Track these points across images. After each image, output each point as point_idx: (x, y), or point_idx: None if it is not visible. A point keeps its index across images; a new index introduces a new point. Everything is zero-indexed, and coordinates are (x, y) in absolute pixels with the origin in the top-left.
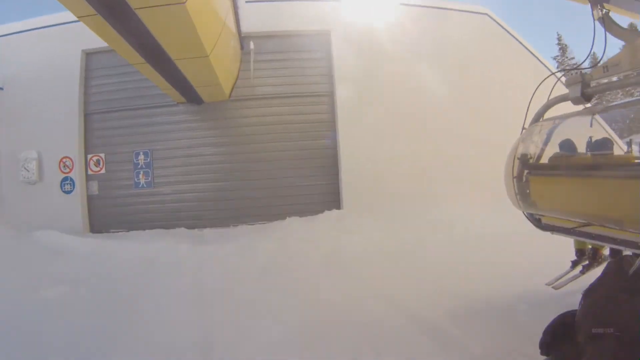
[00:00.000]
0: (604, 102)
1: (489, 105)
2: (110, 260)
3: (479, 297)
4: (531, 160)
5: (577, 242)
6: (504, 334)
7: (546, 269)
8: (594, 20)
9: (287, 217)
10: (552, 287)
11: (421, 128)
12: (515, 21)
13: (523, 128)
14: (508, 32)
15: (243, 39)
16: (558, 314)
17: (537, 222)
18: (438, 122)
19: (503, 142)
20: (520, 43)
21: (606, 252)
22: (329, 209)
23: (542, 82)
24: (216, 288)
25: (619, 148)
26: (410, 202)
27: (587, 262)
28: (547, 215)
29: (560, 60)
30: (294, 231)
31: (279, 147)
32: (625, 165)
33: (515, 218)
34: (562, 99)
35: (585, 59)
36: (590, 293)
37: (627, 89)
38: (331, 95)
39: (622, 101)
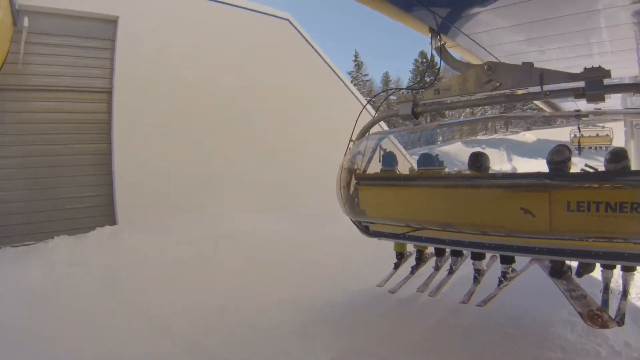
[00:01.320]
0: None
1: (282, 110)
2: None
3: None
4: (358, 172)
5: (397, 246)
6: None
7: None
8: (431, 49)
9: (55, 237)
10: (390, 292)
11: (208, 134)
12: (317, 31)
13: (350, 141)
14: (307, 40)
15: (17, 12)
16: None
17: (365, 230)
18: (229, 127)
19: (292, 148)
20: (318, 53)
21: (430, 251)
22: (102, 225)
23: (371, 99)
24: None
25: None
26: (195, 213)
27: (415, 263)
28: (377, 223)
29: (355, 76)
30: (62, 253)
31: (48, 151)
32: (449, 177)
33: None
34: (391, 114)
35: (418, 82)
36: None
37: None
38: (110, 92)
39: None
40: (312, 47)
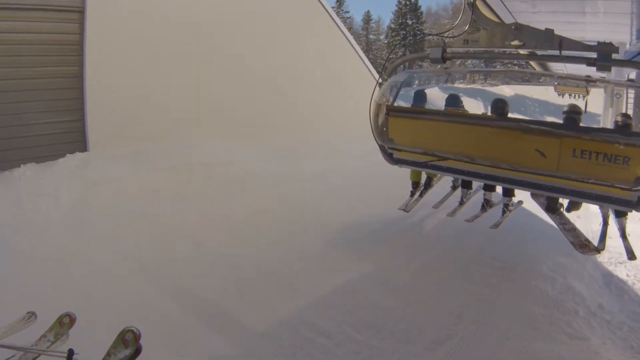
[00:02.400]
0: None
1: (263, 36)
2: None
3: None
4: (388, 104)
5: (413, 175)
6: None
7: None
8: (465, 3)
9: (22, 165)
10: (404, 210)
11: (187, 60)
12: None
13: (381, 77)
14: None
15: None
16: None
17: (389, 157)
18: (208, 53)
19: (272, 77)
20: None
21: (437, 179)
22: (72, 152)
23: (404, 41)
24: None
25: None
26: (171, 142)
27: (422, 187)
28: (402, 150)
29: (336, 12)
30: (28, 183)
31: (12, 74)
32: (468, 116)
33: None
34: (420, 57)
35: (449, 30)
36: None
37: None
38: (82, 11)
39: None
40: None
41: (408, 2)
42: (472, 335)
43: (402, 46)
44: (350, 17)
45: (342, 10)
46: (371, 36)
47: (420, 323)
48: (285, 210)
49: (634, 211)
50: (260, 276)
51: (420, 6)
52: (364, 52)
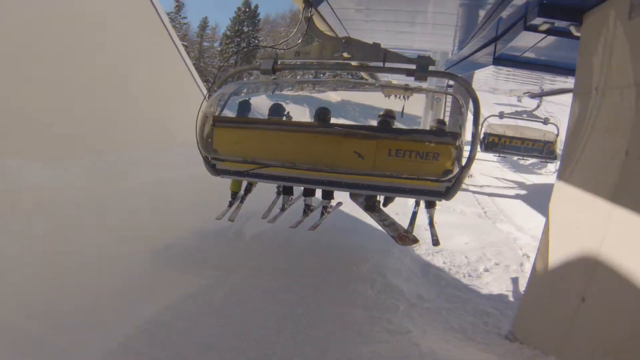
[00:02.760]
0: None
1: (85, 37)
2: None
3: None
4: (215, 115)
5: (233, 185)
6: None
7: None
8: (301, 16)
9: None
10: (230, 220)
11: None
12: None
13: (209, 89)
14: None
15: None
16: None
17: (212, 168)
18: (15, 57)
19: (91, 80)
20: None
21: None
22: None
23: (238, 51)
24: None
25: None
26: None
27: (242, 194)
28: (226, 161)
29: (173, 17)
30: None
31: None
32: (289, 124)
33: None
34: (251, 68)
35: (283, 42)
36: None
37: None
38: None
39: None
40: None
41: (247, 9)
42: (290, 350)
43: (234, 54)
44: (187, 23)
45: (180, 15)
46: (205, 43)
47: (238, 345)
48: (103, 239)
49: (443, 200)
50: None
51: (258, 13)
52: (196, 60)
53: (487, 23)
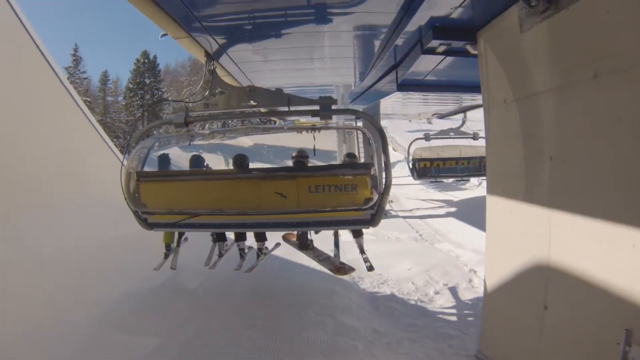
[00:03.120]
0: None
1: None
2: None
3: None
4: (138, 171)
5: (165, 237)
6: None
7: None
8: (205, 70)
9: None
10: (171, 267)
11: None
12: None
13: (126, 147)
14: (18, 17)
15: None
16: None
17: (144, 222)
18: None
19: None
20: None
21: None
22: None
23: (150, 105)
24: None
25: None
26: None
27: (176, 245)
28: (157, 214)
29: (72, 72)
30: None
31: None
32: (212, 173)
33: None
34: (165, 123)
35: (191, 95)
36: None
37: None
38: None
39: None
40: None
41: (146, 60)
42: None
43: (143, 110)
44: (87, 78)
45: (79, 70)
46: (109, 98)
47: None
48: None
49: (370, 228)
50: None
51: (158, 64)
52: (102, 116)
53: (384, 52)
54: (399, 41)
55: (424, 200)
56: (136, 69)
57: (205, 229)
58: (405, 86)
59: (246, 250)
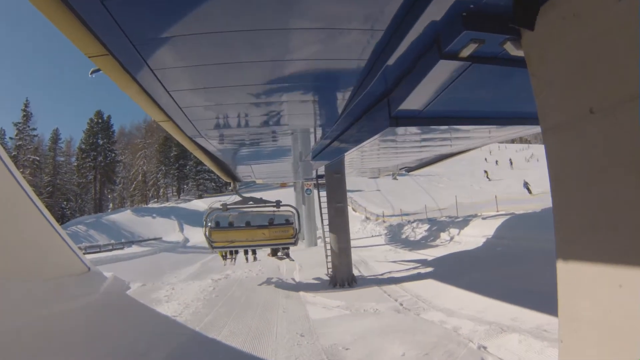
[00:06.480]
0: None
1: None
2: None
3: None
4: (210, 224)
5: (220, 254)
6: None
7: None
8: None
9: None
10: (224, 265)
11: None
12: None
13: (208, 216)
14: None
15: None
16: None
17: (211, 246)
18: None
19: None
20: None
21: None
22: None
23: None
24: None
25: None
26: None
27: (227, 258)
28: (218, 242)
29: (21, 128)
30: None
31: None
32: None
33: None
34: (215, 209)
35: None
36: None
37: None
38: None
39: None
40: None
41: (100, 120)
42: None
43: (92, 169)
44: (37, 136)
45: (29, 127)
46: (59, 158)
47: None
48: None
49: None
50: None
51: (112, 125)
52: (52, 177)
53: (367, 79)
54: (391, 60)
55: (394, 262)
56: (89, 129)
57: (236, 248)
58: (402, 119)
59: (250, 256)
